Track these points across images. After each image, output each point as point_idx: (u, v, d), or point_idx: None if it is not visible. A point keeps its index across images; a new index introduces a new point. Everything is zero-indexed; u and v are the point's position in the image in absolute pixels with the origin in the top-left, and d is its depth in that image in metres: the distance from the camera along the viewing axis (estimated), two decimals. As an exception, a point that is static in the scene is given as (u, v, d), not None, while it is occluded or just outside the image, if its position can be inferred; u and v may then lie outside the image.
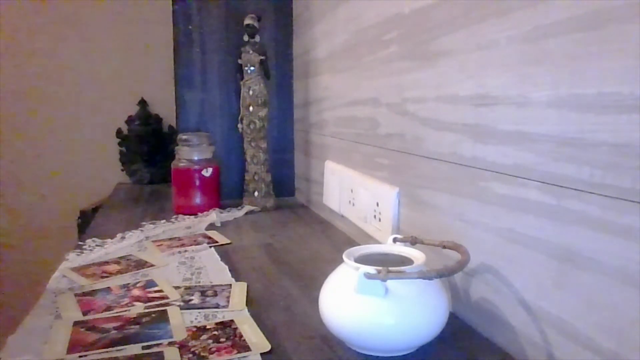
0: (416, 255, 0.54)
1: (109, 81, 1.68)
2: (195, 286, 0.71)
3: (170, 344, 0.53)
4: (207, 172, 1.16)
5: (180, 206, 1.16)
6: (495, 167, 0.53)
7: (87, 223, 1.20)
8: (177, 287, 0.70)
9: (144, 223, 1.05)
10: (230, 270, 0.77)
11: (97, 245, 0.90)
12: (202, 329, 0.57)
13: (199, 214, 1.13)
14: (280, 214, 1.18)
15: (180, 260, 0.83)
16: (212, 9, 1.27)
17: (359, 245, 0.61)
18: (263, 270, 0.78)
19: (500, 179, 0.53)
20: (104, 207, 1.29)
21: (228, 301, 0.65)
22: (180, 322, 0.59)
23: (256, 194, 1.22)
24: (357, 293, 0.49)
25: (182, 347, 0.53)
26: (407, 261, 0.54)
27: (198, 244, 0.92)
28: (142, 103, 1.65)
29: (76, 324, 0.59)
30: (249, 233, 1.01)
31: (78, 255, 0.85)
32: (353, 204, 0.91)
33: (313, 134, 1.20)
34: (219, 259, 0.83)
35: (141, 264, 0.80)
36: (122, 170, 1.68)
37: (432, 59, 0.65)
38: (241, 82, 1.19)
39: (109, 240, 0.93)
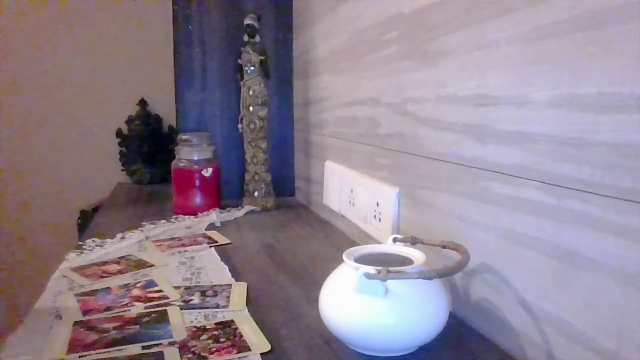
0: (416, 255, 0.54)
1: (109, 81, 1.68)
2: (195, 286, 0.71)
3: (170, 344, 0.53)
4: (207, 172, 1.16)
5: (180, 206, 1.16)
6: (495, 167, 0.53)
7: (87, 223, 1.20)
8: (177, 287, 0.70)
9: (144, 223, 1.05)
10: (230, 270, 0.77)
11: (97, 245, 0.90)
12: (202, 329, 0.57)
13: (199, 214, 1.13)
14: (280, 214, 1.18)
15: (180, 260, 0.83)
16: (212, 9, 1.27)
17: (359, 245, 0.60)
18: (263, 270, 0.78)
19: (500, 179, 0.53)
20: (104, 207, 1.29)
21: (228, 301, 0.65)
22: (180, 322, 0.59)
23: (256, 194, 1.22)
24: (357, 293, 0.49)
25: (182, 347, 0.53)
26: (407, 261, 0.54)
27: (198, 244, 0.92)
28: (142, 103, 1.66)
29: (76, 324, 0.59)
30: (249, 233, 1.01)
31: (78, 255, 0.85)
32: (353, 204, 0.91)
33: (313, 134, 1.20)
34: (219, 259, 0.83)
35: (141, 264, 0.80)
36: (122, 170, 1.68)
37: (432, 59, 0.65)
38: (241, 82, 1.19)
39: (109, 240, 0.93)
